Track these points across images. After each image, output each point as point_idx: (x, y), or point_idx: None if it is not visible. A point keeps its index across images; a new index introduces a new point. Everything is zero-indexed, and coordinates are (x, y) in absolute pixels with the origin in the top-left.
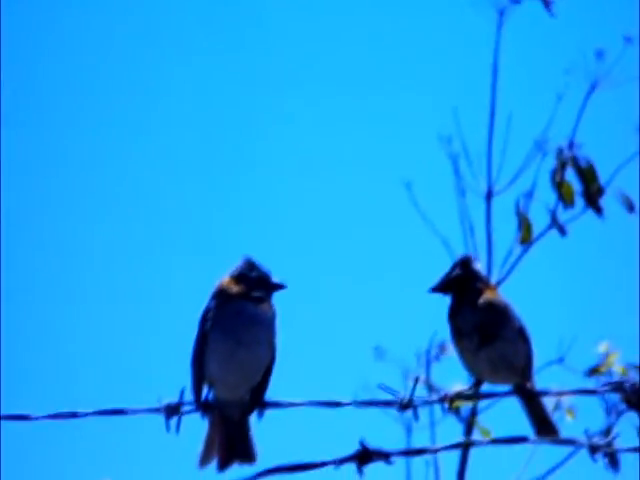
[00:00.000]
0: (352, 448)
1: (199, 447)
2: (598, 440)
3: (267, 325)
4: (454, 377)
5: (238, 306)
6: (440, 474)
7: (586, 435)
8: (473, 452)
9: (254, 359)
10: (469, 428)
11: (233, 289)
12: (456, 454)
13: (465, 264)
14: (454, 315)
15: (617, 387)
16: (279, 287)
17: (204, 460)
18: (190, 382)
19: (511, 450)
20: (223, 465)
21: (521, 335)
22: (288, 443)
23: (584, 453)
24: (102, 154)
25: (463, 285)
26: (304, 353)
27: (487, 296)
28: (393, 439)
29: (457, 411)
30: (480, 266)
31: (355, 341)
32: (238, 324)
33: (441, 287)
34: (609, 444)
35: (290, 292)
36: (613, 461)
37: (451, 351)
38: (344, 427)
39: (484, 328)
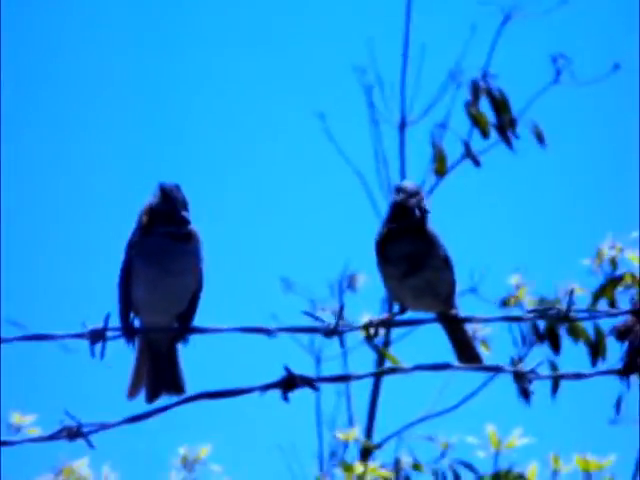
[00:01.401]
0: (265, 375)
1: (127, 377)
2: (522, 367)
3: (188, 255)
4: (363, 308)
5: (157, 239)
6: (352, 402)
7: (511, 362)
8: (384, 381)
9: (178, 286)
10: (382, 357)
11: (146, 222)
12: (367, 384)
13: (399, 190)
14: (383, 241)
15: (542, 314)
16: (184, 221)
17: (133, 391)
18: (117, 308)
19: (420, 381)
20: (152, 397)
21: (446, 263)
22: (210, 369)
23: (495, 383)
24: None
25: (398, 212)
26: (216, 283)
27: (417, 224)
28: (303, 368)
29: (371, 341)
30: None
31: (265, 272)
32: (160, 255)
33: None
34: (533, 371)
35: (199, 221)
36: (525, 392)
37: (361, 283)
38: (257, 355)
39: (412, 257)
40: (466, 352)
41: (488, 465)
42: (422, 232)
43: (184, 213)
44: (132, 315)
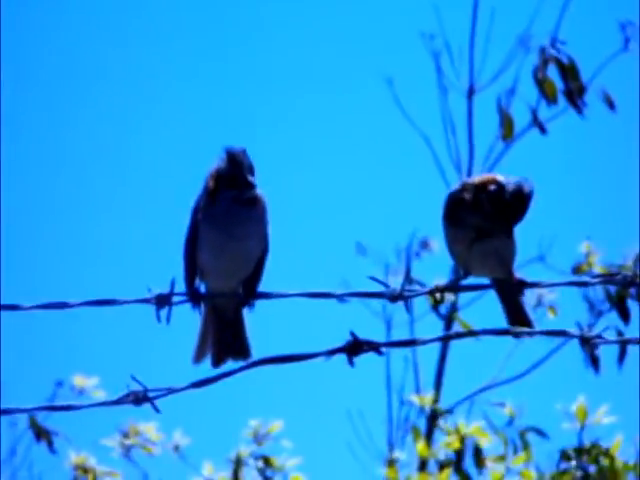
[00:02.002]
0: (335, 340)
1: (193, 341)
2: (589, 332)
3: (253, 219)
4: (434, 273)
5: (223, 204)
6: (419, 370)
7: (577, 327)
8: (451, 349)
9: (243, 251)
10: (449, 323)
11: (212, 187)
12: (434, 351)
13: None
14: (454, 206)
15: (609, 279)
16: (249, 186)
17: (199, 356)
18: (182, 272)
19: (485, 349)
20: (218, 361)
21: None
22: (277, 334)
23: (560, 353)
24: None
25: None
26: (286, 248)
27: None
28: (374, 334)
29: (438, 307)
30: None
31: (336, 237)
32: (225, 220)
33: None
34: (599, 336)
35: (272, 187)
36: (594, 360)
37: (432, 247)
38: (327, 321)
39: (483, 222)
40: (519, 317)
41: (557, 435)
42: (492, 197)
43: (250, 177)
44: (198, 280)
